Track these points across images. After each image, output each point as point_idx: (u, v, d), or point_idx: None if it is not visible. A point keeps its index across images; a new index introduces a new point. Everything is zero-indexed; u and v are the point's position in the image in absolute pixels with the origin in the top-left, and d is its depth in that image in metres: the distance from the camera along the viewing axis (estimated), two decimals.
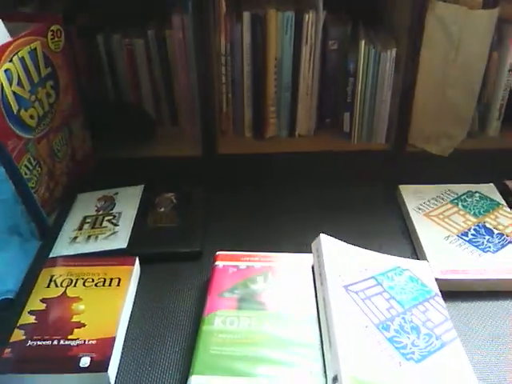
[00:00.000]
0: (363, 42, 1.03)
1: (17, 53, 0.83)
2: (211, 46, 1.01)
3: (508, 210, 0.91)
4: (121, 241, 0.84)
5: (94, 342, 0.67)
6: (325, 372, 0.63)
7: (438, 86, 1.05)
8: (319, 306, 0.70)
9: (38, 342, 0.68)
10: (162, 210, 0.92)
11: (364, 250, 0.79)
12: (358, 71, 1.06)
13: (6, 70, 0.81)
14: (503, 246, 0.84)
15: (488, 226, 0.88)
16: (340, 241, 0.79)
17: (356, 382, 0.59)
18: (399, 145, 1.12)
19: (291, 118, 1.14)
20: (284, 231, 0.90)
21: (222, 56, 1.06)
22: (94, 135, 1.07)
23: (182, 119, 1.19)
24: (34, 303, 0.73)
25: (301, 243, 0.83)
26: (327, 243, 0.77)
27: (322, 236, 0.77)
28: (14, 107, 0.84)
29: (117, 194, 0.95)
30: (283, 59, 1.07)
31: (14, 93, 0.83)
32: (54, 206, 0.95)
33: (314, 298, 0.73)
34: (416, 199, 0.95)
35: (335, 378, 0.60)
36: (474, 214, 0.91)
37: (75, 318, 0.71)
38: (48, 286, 0.76)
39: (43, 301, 0.74)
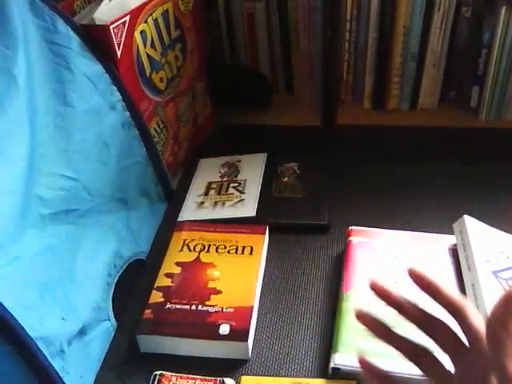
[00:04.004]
0: (504, 8, 0.95)
1: (151, 14, 0.82)
2: (340, 9, 0.97)
3: None
4: (249, 209, 0.83)
5: (231, 310, 0.67)
6: None
7: None
8: (467, 291, 0.66)
9: (177, 306, 0.68)
10: (286, 179, 0.90)
11: (508, 234, 0.74)
12: (494, 42, 0.98)
13: (141, 32, 0.80)
14: None
15: None
16: (483, 223, 0.74)
17: None
18: None
19: (414, 90, 1.08)
20: (408, 209, 0.85)
21: (347, 21, 1.02)
22: (212, 99, 1.06)
23: (297, 87, 1.15)
24: (170, 266, 0.74)
25: (429, 223, 0.79)
26: (472, 225, 0.72)
27: (466, 217, 0.73)
28: (147, 69, 0.83)
29: (240, 161, 0.94)
30: (412, 27, 1.01)
31: (148, 55, 0.83)
32: (177, 170, 0.95)
33: (456, 282, 0.69)
34: None
35: None
36: None
37: (211, 284, 0.71)
38: (181, 250, 0.76)
39: (178, 264, 0.74)
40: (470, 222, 0.73)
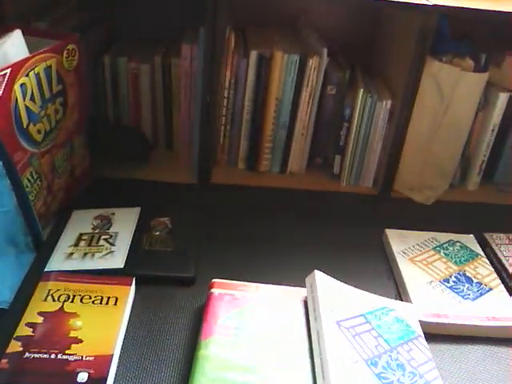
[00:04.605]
0: (362, 90, 1.08)
1: (33, 68, 0.84)
2: (219, 78, 1.05)
3: (486, 260, 0.97)
4: (117, 261, 0.86)
5: (91, 358, 0.68)
6: None
7: (425, 141, 1.10)
8: (313, 339, 0.73)
9: (35, 355, 0.68)
10: (158, 233, 0.94)
11: (354, 288, 0.83)
12: (354, 117, 1.11)
13: (21, 85, 0.82)
14: (481, 294, 0.89)
15: (468, 274, 0.93)
16: (332, 278, 0.82)
17: None
18: (385, 190, 1.17)
19: (284, 155, 1.18)
20: (272, 264, 0.93)
21: (225, 89, 1.10)
22: (91, 153, 1.09)
23: (177, 145, 1.21)
24: (32, 316, 0.74)
25: (290, 277, 0.86)
26: (321, 279, 0.80)
27: (317, 272, 0.81)
28: (25, 121, 0.85)
29: (113, 214, 0.96)
30: (283, 99, 1.12)
31: (26, 107, 0.85)
32: (49, 220, 0.95)
33: (306, 331, 0.75)
34: (401, 244, 0.99)
35: None
36: (455, 263, 0.96)
37: (72, 334, 0.71)
38: (45, 300, 0.76)
39: (40, 314, 0.74)
40: (319, 276, 0.80)
